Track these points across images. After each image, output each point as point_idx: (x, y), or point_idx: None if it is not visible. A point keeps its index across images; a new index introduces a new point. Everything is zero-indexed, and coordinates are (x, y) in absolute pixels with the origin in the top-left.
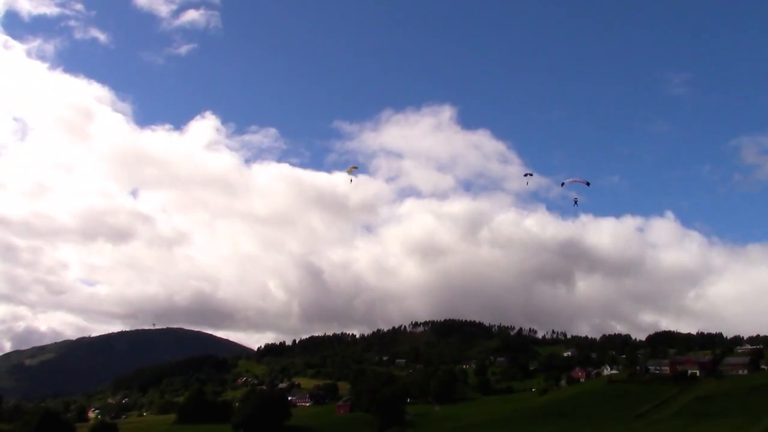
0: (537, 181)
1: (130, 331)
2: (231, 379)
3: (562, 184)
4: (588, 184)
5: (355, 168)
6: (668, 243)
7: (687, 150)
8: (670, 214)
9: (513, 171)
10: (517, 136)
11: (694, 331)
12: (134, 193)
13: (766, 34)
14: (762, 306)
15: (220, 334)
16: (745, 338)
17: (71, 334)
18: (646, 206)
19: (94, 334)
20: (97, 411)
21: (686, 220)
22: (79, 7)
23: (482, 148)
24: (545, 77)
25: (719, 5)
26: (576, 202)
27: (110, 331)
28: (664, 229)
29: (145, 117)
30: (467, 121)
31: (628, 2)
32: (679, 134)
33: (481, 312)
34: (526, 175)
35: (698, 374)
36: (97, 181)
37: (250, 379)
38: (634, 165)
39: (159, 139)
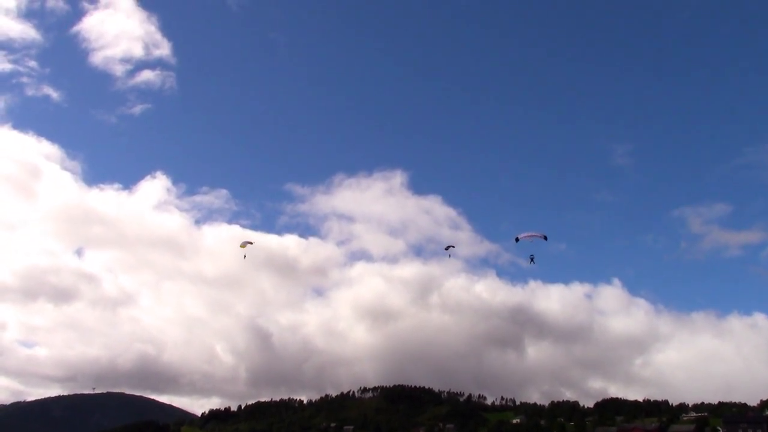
0: (487, 247)
1: (68, 395)
2: None
3: (517, 239)
4: (545, 238)
5: (249, 243)
6: (616, 310)
7: (631, 219)
8: (617, 281)
9: (463, 236)
10: (467, 202)
11: (641, 398)
12: (79, 252)
13: (706, 108)
14: (706, 373)
15: (164, 398)
16: (690, 405)
17: (5, 399)
18: (593, 273)
19: (29, 399)
20: None
21: (633, 287)
22: (32, 64)
23: (433, 213)
24: (495, 146)
25: (659, 79)
26: (533, 260)
27: (47, 395)
28: (611, 296)
29: (94, 176)
30: (418, 186)
31: (574, 76)
32: (623, 204)
33: (431, 377)
34: (447, 248)
35: None
36: (41, 240)
37: None
38: (580, 233)
39: (107, 198)
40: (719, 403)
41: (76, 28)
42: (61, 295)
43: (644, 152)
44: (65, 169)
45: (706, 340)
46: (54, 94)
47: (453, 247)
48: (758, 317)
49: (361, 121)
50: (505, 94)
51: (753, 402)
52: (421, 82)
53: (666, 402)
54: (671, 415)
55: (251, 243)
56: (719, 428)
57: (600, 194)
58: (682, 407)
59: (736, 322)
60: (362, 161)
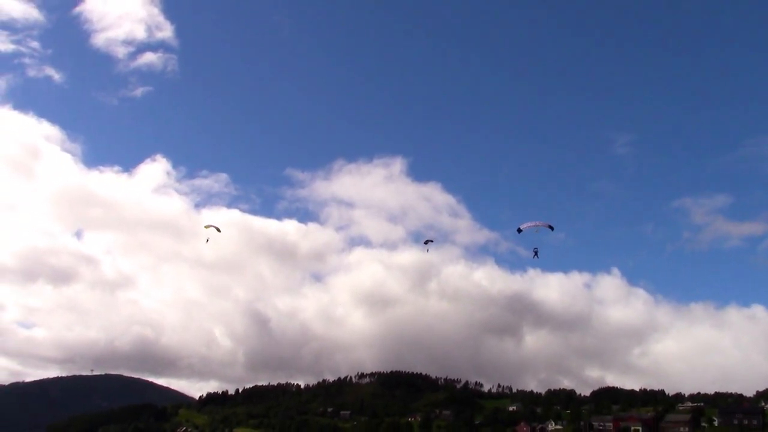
0: (486, 235)
1: (67, 376)
2: (170, 429)
3: (519, 230)
4: (551, 228)
5: (216, 228)
6: (615, 300)
7: (632, 209)
8: (616, 271)
9: (462, 224)
10: (467, 190)
11: (637, 388)
12: (78, 234)
13: (707, 100)
14: (703, 364)
15: (162, 381)
16: (686, 396)
17: (4, 379)
18: (593, 263)
19: (28, 379)
20: None
21: (632, 277)
22: (35, 44)
23: (432, 200)
24: (496, 134)
25: (663, 70)
26: (536, 254)
27: (45, 376)
28: (610, 285)
29: (94, 158)
30: (418, 173)
31: (576, 65)
32: (623, 194)
33: (428, 364)
34: (426, 242)
35: (641, 431)
36: (41, 221)
37: (190, 429)
38: (580, 222)
39: (107, 180)
40: (715, 393)
41: (78, 9)
42: (60, 277)
43: (645, 142)
44: (65, 150)
45: (704, 330)
46: (56, 76)
47: (432, 241)
48: (757, 309)
49: (362, 107)
50: (507, 83)
51: (749, 393)
52: (424, 70)
53: (662, 391)
54: (667, 405)
55: (219, 230)
56: (714, 418)
57: (601, 183)
58: (678, 397)
59: (734, 314)
60: (363, 147)
